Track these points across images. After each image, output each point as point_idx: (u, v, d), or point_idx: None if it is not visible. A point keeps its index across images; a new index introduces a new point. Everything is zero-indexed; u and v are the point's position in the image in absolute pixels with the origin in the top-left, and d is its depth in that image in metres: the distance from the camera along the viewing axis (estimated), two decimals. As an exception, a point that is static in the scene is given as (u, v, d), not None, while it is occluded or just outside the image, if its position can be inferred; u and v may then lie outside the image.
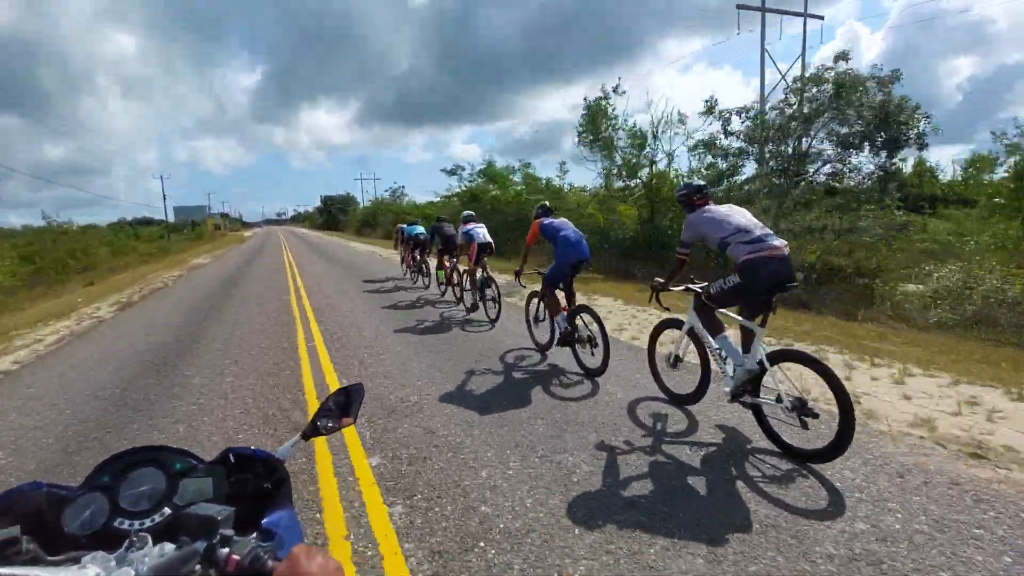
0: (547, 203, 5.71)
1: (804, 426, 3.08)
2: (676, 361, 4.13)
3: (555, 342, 5.44)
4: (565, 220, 5.42)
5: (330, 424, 1.25)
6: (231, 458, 1.11)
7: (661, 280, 4.09)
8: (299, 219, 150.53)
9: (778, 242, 3.25)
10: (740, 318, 3.50)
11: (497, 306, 7.25)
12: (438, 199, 27.20)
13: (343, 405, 1.29)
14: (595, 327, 4.84)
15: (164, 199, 65.61)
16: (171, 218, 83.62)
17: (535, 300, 5.98)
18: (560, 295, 5.42)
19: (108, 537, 0.94)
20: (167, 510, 1.01)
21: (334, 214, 71.88)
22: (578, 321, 5.05)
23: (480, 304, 7.71)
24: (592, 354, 4.93)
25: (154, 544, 0.81)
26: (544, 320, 5.89)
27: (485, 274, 7.64)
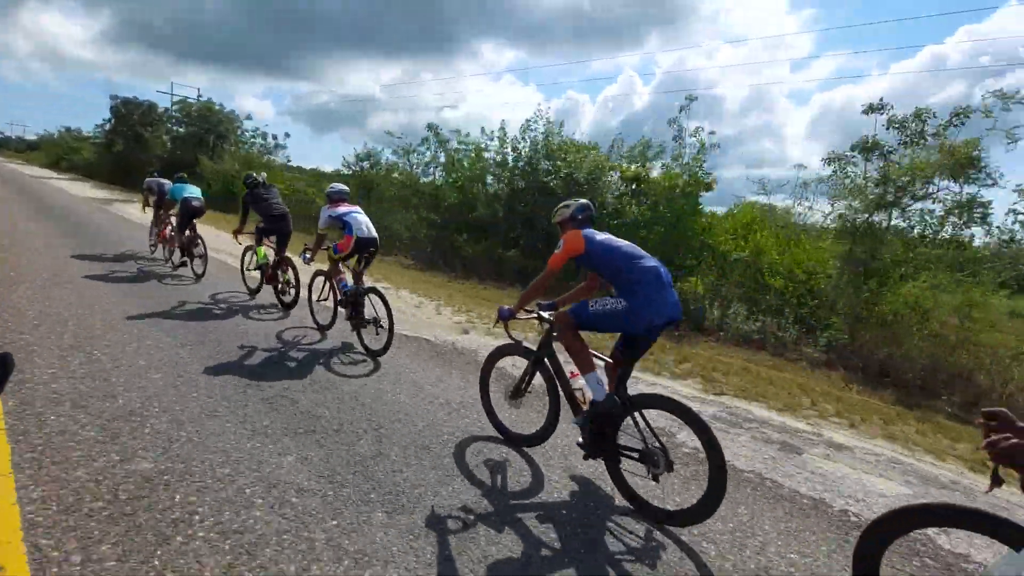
0: (588, 201, 3.18)
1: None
2: None
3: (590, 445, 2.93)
4: (627, 242, 2.97)
5: None
6: None
7: None
8: (15, 147, 77.61)
9: None
10: None
11: (387, 335, 4.76)
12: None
13: None
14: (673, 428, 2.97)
15: None
16: None
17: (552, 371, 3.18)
18: (596, 364, 2.92)
19: None
20: None
21: (146, 146, 28.80)
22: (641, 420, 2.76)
23: (357, 333, 5.12)
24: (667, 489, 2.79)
25: None
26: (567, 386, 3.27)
27: (362, 285, 5.13)
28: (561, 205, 3.20)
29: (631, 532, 2.58)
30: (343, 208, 5.12)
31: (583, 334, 2.92)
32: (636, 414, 2.75)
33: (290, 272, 6.21)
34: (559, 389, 3.11)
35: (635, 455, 2.73)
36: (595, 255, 2.89)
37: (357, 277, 5.15)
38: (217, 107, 28.82)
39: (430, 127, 15.29)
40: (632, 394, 2.81)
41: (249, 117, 27.98)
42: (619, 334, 2.93)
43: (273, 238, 6.42)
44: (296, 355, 4.68)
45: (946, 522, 1.90)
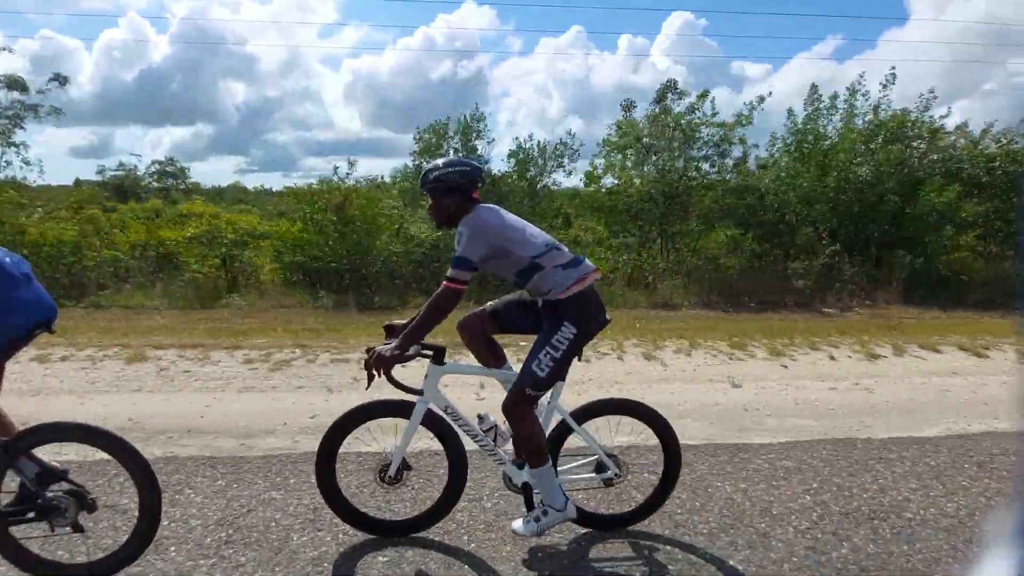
0: None
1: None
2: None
3: None
4: None
5: None
6: None
7: (397, 342, 2.17)
8: None
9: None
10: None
11: None
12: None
13: None
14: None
15: None
16: None
17: None
18: None
19: None
20: None
21: None
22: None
23: None
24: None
25: None
26: None
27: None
28: None
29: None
30: None
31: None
32: (21, 460, 2.00)
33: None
34: None
35: (31, 514, 1.99)
36: None
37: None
38: None
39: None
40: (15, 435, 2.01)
41: None
42: None
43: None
44: None
45: (381, 415, 2.33)
